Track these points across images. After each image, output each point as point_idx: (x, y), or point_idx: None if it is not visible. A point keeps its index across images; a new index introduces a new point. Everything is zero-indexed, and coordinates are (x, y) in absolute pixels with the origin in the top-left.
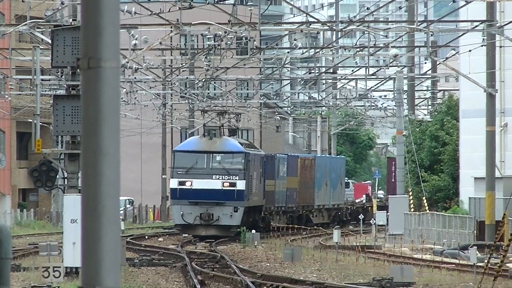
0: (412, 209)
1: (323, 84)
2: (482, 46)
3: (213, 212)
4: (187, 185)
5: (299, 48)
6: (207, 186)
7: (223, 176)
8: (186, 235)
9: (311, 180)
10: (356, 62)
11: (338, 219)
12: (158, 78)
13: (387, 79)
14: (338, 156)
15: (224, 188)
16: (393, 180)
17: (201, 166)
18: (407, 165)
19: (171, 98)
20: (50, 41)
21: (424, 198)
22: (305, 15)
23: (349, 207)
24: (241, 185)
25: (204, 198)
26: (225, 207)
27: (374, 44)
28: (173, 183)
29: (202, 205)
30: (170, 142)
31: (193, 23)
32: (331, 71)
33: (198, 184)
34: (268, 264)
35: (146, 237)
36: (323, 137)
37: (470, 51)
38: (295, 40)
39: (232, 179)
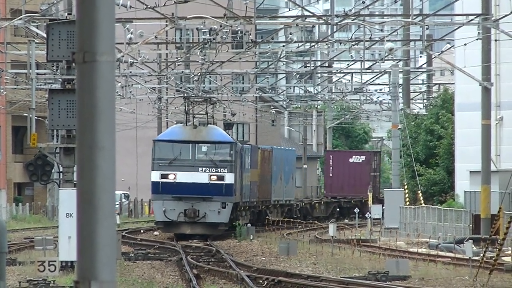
0: (408, 203)
1: (319, 78)
2: (477, 39)
3: (199, 208)
4: (170, 178)
5: (295, 42)
6: (193, 180)
7: (210, 169)
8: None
9: (269, 173)
10: (351, 56)
11: (289, 216)
12: (153, 72)
13: (383, 72)
14: (289, 149)
15: (211, 181)
16: (330, 175)
17: (185, 157)
18: (403, 159)
19: (167, 92)
20: (45, 35)
21: (419, 191)
22: (300, 9)
23: (298, 203)
24: (229, 178)
25: (189, 193)
26: (212, 203)
27: (370, 38)
28: (155, 176)
29: (187, 201)
30: None
31: (188, 17)
32: (327, 65)
33: (183, 177)
34: (264, 258)
35: (142, 231)
36: (319, 131)
37: (465, 44)
38: (290, 34)
39: (220, 172)
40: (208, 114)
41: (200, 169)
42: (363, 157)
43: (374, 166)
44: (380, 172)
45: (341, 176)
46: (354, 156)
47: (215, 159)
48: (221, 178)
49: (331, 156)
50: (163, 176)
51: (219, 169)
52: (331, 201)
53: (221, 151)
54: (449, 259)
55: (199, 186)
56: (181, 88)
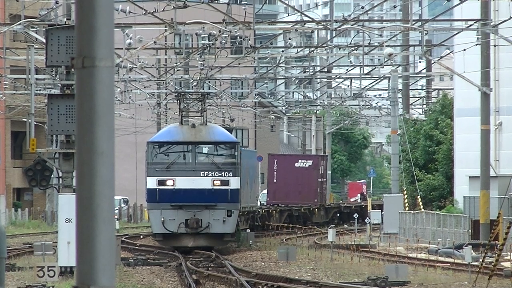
0: (407, 208)
1: (318, 83)
2: (476, 45)
3: (201, 218)
4: (168, 184)
5: (294, 47)
6: (193, 186)
7: (213, 173)
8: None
9: None
10: (350, 61)
11: (252, 224)
12: (152, 78)
13: (382, 78)
14: (251, 150)
15: (214, 187)
16: (275, 181)
17: (185, 160)
18: (402, 164)
19: (166, 98)
20: (44, 41)
21: (418, 197)
22: (299, 14)
23: (259, 210)
24: (235, 183)
25: (190, 201)
26: (217, 211)
27: (369, 43)
28: (151, 183)
29: (188, 209)
30: None
31: (187, 22)
32: (326, 70)
33: (182, 183)
34: (263, 263)
35: (141, 236)
36: (318, 136)
37: (464, 50)
38: (289, 39)
39: (225, 176)
40: (205, 113)
41: (201, 173)
42: (310, 162)
43: (322, 171)
44: (327, 177)
45: (286, 182)
46: (300, 161)
47: (218, 161)
48: (225, 183)
49: (275, 160)
50: (160, 182)
51: (223, 173)
52: (285, 208)
53: (225, 152)
54: (449, 264)
55: (201, 192)
56: (177, 101)
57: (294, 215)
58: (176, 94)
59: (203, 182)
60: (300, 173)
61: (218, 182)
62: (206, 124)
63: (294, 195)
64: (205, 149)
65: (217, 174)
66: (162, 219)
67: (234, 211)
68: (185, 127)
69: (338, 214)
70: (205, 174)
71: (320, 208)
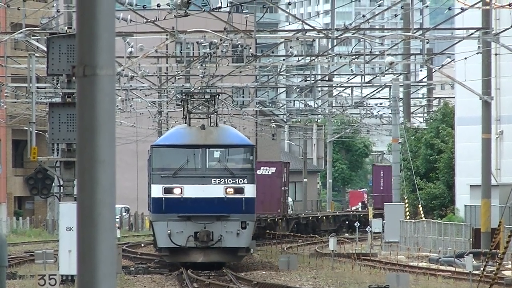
0: (408, 217)
1: (319, 92)
2: (477, 53)
3: (212, 230)
4: (176, 193)
5: (295, 56)
6: (204, 194)
7: (226, 179)
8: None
9: None
10: (351, 69)
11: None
12: (153, 86)
13: (383, 86)
14: None
15: (227, 195)
16: None
17: (194, 166)
18: (403, 173)
19: (167, 106)
20: (45, 49)
21: (419, 205)
22: (300, 22)
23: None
24: (250, 191)
25: (200, 211)
26: (230, 223)
27: (370, 52)
28: (156, 191)
29: (198, 221)
30: None
31: (188, 30)
32: (327, 78)
33: (191, 191)
34: (264, 272)
35: (142, 245)
36: (319, 144)
37: (465, 58)
38: (290, 47)
39: (239, 183)
40: (216, 114)
41: (212, 180)
42: (273, 169)
43: (284, 179)
44: (289, 186)
45: None
46: (262, 168)
47: (231, 167)
48: (239, 191)
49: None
50: (167, 190)
51: (236, 180)
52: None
53: (239, 156)
54: (450, 273)
55: (212, 201)
56: (181, 102)
57: (261, 226)
58: (184, 95)
59: (215, 190)
60: (262, 181)
61: (231, 190)
62: (217, 125)
63: (257, 204)
64: (216, 153)
65: (230, 181)
66: (169, 231)
67: (250, 222)
68: (193, 129)
69: (295, 225)
70: (217, 181)
71: (283, 218)
